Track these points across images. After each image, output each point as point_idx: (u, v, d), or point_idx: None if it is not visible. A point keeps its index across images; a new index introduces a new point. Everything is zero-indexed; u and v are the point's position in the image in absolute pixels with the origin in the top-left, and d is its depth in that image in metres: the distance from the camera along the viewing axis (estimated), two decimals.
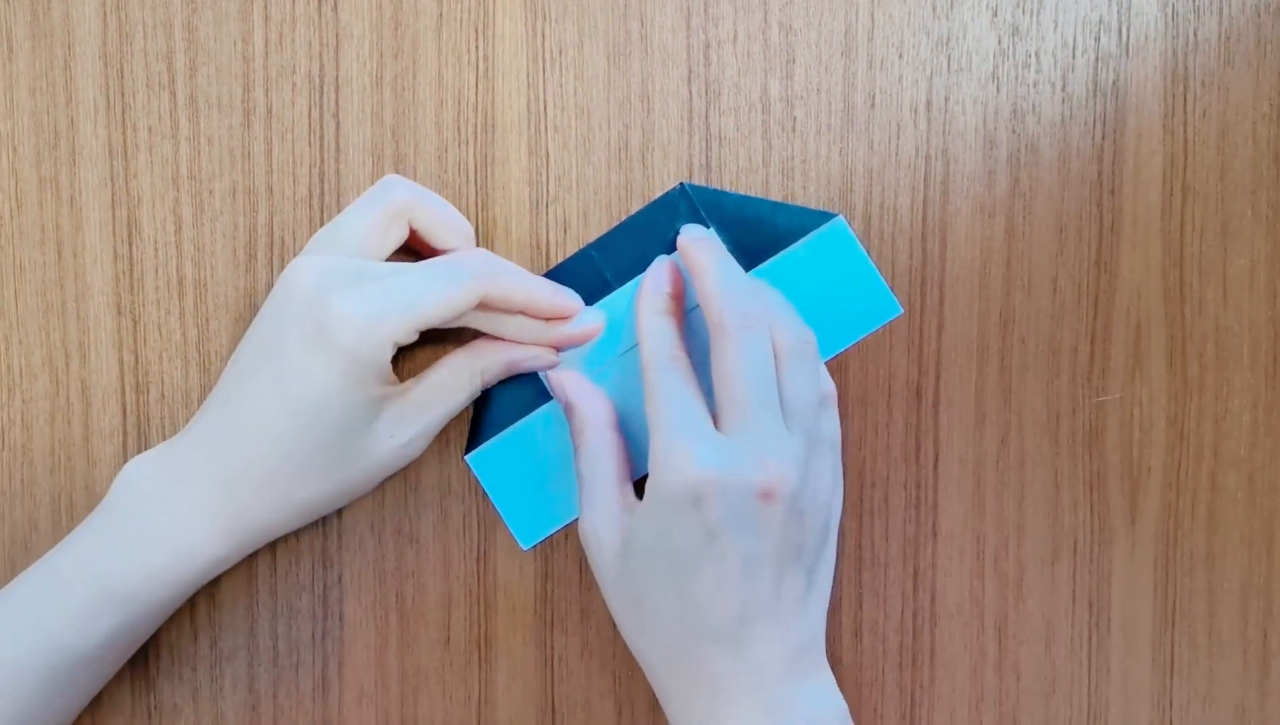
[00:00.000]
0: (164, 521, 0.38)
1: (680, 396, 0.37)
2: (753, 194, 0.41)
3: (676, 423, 0.37)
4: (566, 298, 0.41)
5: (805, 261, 0.41)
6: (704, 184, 0.41)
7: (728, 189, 0.41)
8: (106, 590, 0.37)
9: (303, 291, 0.37)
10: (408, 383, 0.40)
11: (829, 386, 0.40)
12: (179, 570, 0.38)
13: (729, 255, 0.40)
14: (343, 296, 0.37)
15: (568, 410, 0.40)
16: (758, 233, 0.41)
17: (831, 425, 0.40)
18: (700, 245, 0.40)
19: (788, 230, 0.41)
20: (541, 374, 0.41)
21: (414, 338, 0.38)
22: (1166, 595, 0.42)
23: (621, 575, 0.38)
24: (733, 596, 0.36)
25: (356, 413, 0.37)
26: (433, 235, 0.40)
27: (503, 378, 0.41)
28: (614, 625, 0.43)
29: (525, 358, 0.41)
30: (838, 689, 0.38)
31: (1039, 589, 0.42)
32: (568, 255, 0.42)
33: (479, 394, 0.41)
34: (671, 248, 0.41)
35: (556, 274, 0.42)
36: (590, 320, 0.41)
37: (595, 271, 0.42)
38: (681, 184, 0.41)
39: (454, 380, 0.40)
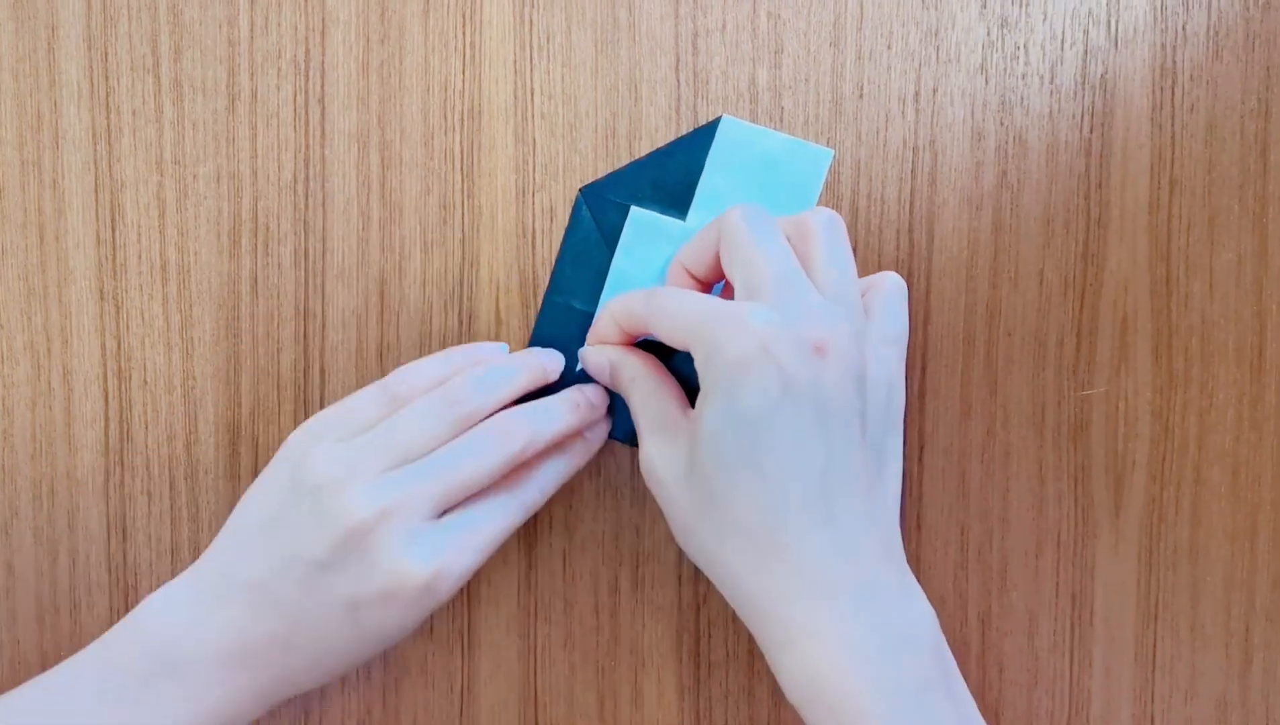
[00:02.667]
0: (201, 679, 0.37)
1: (696, 297, 0.36)
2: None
3: (712, 306, 0.35)
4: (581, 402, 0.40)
5: (723, 171, 0.41)
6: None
7: None
8: None
9: (379, 553, 0.36)
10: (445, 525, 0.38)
11: (897, 281, 0.40)
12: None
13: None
14: (417, 558, 0.36)
15: (613, 372, 0.39)
16: (670, 181, 0.41)
17: (894, 321, 0.39)
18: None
19: (692, 160, 0.41)
20: (580, 360, 0.41)
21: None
22: (1149, 589, 0.42)
23: (693, 479, 0.36)
24: (814, 453, 0.34)
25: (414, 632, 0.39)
26: None
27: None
28: (597, 615, 0.43)
29: (566, 464, 0.40)
30: (925, 598, 0.37)
31: (1022, 581, 0.42)
32: (553, 247, 0.42)
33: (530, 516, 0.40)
34: (610, 251, 0.41)
35: (539, 332, 0.42)
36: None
37: (565, 309, 0.41)
38: (580, 191, 0.41)
39: (493, 523, 0.39)
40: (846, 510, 0.35)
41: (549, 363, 0.41)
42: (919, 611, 0.36)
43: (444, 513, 0.38)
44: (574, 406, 0.40)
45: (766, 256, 0.36)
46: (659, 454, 0.37)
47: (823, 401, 0.34)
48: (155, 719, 0.37)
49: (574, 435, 0.40)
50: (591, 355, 0.40)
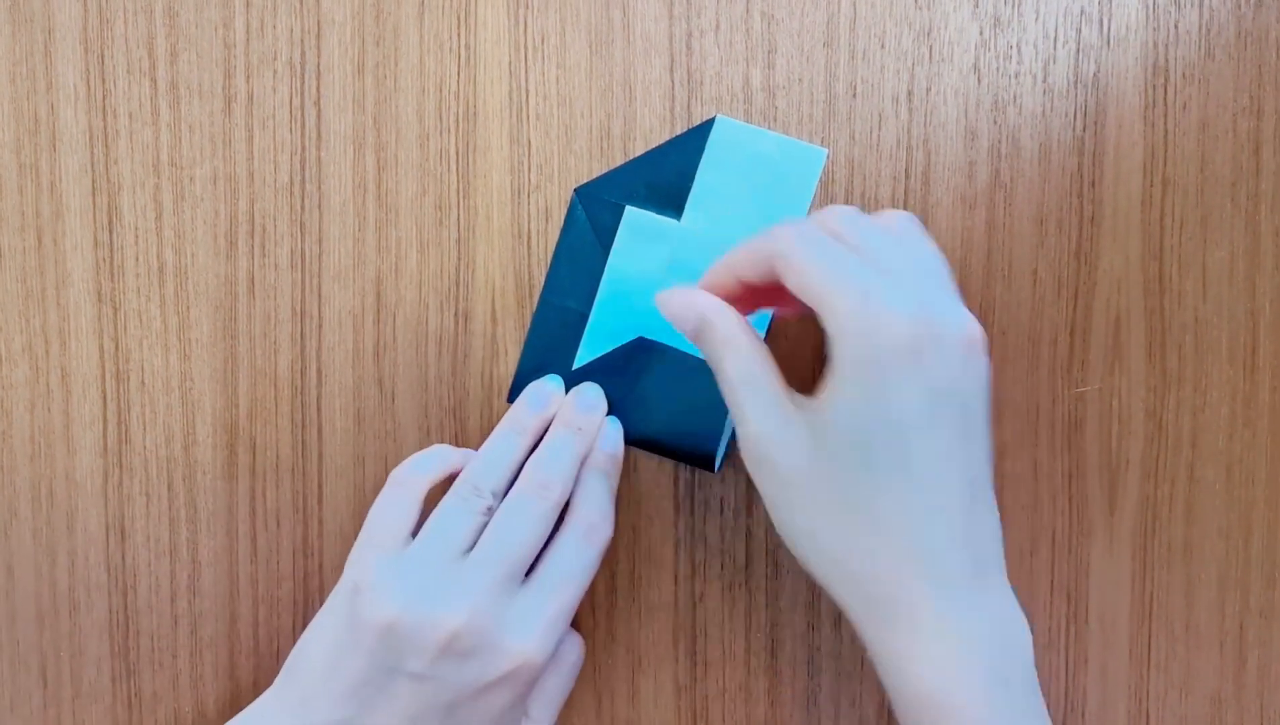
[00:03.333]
0: None
1: (840, 253, 0.33)
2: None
3: (853, 276, 0.32)
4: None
5: (717, 170, 0.41)
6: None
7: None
8: None
9: (481, 650, 0.37)
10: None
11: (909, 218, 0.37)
12: None
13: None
14: (517, 638, 0.37)
15: (701, 326, 0.35)
16: (665, 181, 0.41)
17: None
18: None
19: (686, 160, 0.41)
20: (659, 304, 0.37)
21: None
22: (1144, 587, 0.42)
23: (818, 472, 0.33)
24: (963, 462, 0.33)
25: None
26: None
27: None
28: (594, 614, 0.43)
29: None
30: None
31: (1017, 580, 0.42)
32: (547, 259, 0.42)
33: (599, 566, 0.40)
34: (605, 252, 0.41)
35: (534, 332, 0.42)
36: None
37: (562, 310, 0.42)
38: (575, 191, 0.41)
39: (578, 580, 0.39)
40: (983, 521, 0.34)
41: (552, 391, 0.41)
42: (1024, 630, 0.35)
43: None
44: (577, 429, 0.40)
45: (868, 255, 0.33)
46: (771, 437, 0.34)
47: (971, 403, 0.33)
48: None
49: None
50: (675, 302, 0.36)
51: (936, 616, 0.33)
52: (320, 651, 0.38)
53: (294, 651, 0.39)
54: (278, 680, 0.39)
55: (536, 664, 0.37)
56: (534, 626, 0.37)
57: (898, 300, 0.32)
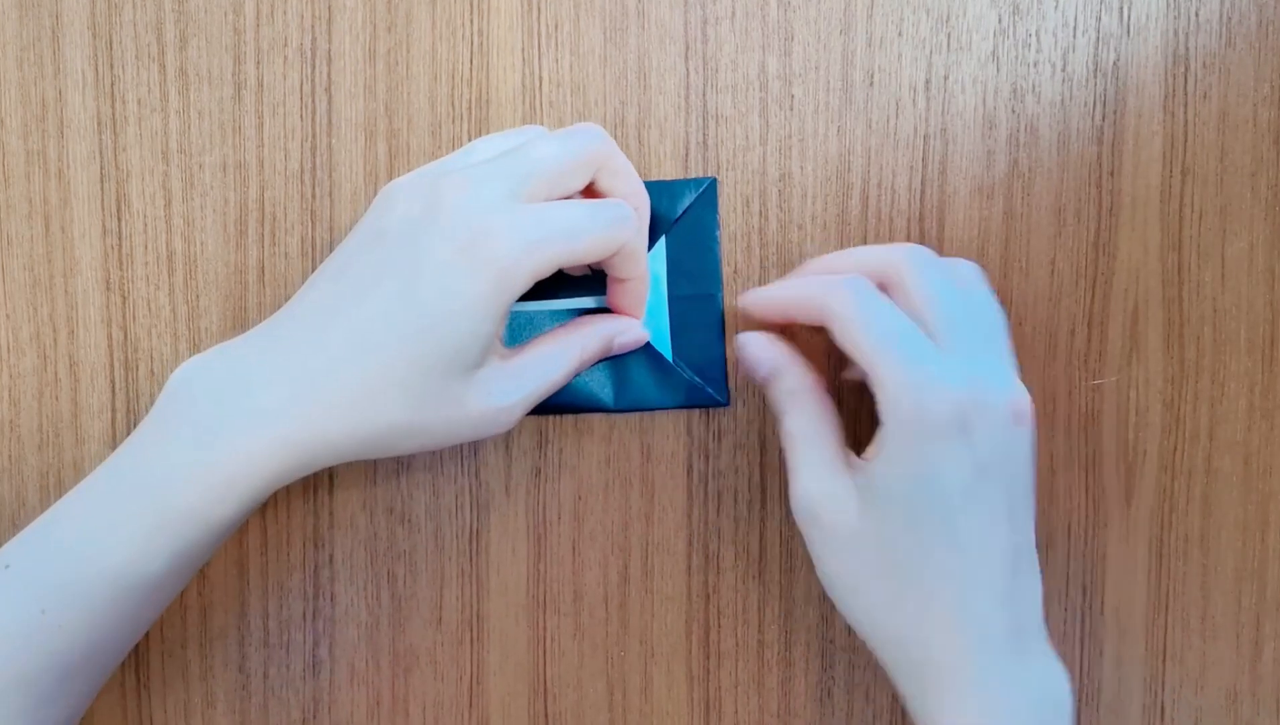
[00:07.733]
0: (224, 432, 0.34)
1: (893, 319, 0.34)
2: (749, 172, 0.41)
3: (904, 346, 0.33)
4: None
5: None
6: (702, 162, 0.41)
7: (723, 167, 0.41)
8: (166, 511, 0.34)
9: (458, 205, 0.34)
10: (510, 350, 0.37)
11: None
12: (240, 486, 0.34)
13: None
14: (504, 214, 0.34)
15: (774, 376, 0.37)
16: None
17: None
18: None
19: None
20: (737, 345, 0.39)
21: (553, 271, 0.35)
22: (1160, 579, 0.42)
23: (864, 535, 0.34)
24: (1005, 540, 0.34)
25: (476, 343, 0.34)
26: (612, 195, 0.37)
27: (600, 358, 0.39)
28: (606, 605, 0.42)
29: (622, 333, 0.39)
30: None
31: None
32: None
33: (578, 373, 0.38)
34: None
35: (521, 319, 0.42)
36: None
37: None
38: None
39: (559, 352, 0.37)
40: (1026, 586, 0.35)
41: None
42: (1066, 692, 0.36)
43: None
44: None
45: (950, 301, 0.35)
46: (820, 492, 0.35)
47: (1016, 473, 0.34)
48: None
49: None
50: (752, 347, 0.38)
51: (977, 681, 0.34)
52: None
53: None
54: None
55: (505, 255, 0.34)
56: (516, 220, 0.34)
57: (948, 373, 0.33)
